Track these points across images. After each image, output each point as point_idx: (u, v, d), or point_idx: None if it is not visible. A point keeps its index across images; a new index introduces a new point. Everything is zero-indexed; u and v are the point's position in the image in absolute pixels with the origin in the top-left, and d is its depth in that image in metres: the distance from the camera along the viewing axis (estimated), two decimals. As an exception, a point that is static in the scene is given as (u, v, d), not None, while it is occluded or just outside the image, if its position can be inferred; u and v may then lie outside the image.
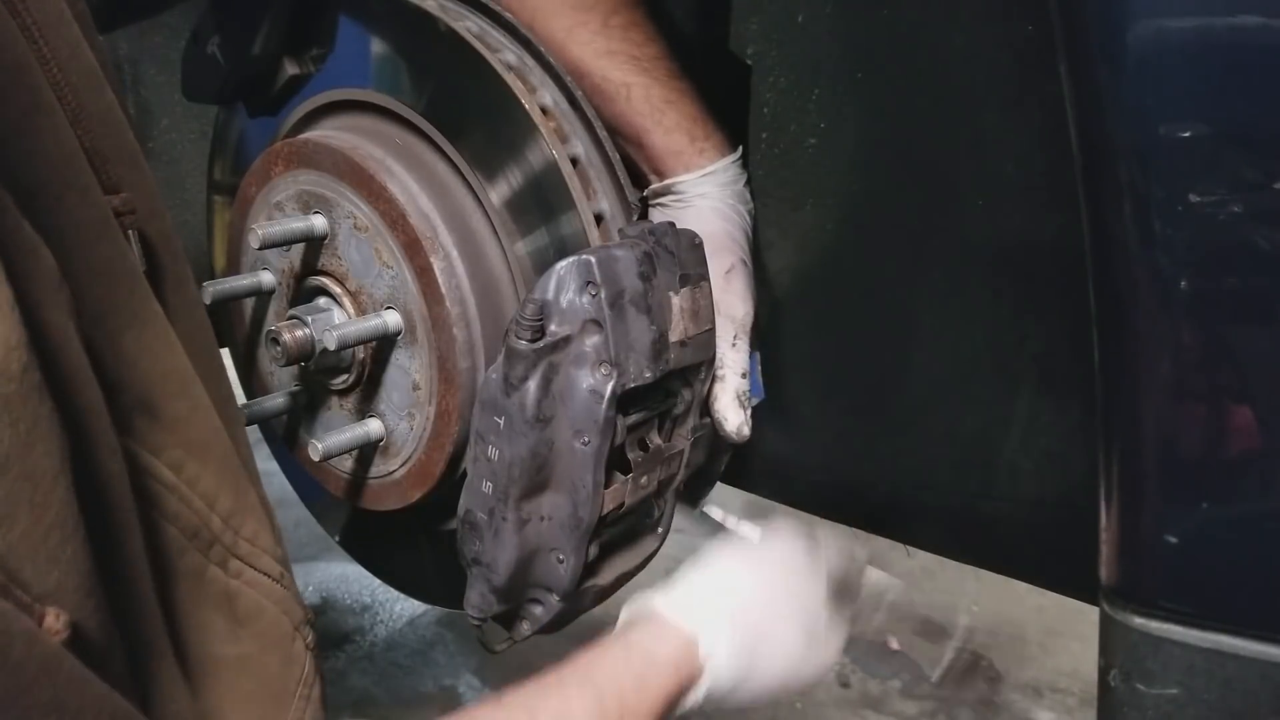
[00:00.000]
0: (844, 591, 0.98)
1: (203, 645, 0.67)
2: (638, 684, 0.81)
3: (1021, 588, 1.03)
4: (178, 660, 0.64)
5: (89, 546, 0.52)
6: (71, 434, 0.52)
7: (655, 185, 1.05)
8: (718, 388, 1.02)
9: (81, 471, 0.53)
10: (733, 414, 1.01)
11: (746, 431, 1.02)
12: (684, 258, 0.95)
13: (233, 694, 0.68)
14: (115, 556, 0.58)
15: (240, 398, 1.10)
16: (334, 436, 1.03)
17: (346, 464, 1.11)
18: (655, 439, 0.98)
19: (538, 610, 0.99)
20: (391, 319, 1.01)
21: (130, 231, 0.65)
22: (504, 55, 0.99)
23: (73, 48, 0.62)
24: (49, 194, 0.57)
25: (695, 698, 0.86)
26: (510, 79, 0.97)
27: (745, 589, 0.91)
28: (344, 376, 1.07)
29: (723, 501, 1.17)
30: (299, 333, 1.01)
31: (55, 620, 0.48)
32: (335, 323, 1.02)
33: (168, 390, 0.64)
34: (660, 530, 1.06)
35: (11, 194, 0.52)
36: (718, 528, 1.10)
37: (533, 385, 0.88)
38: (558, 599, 0.97)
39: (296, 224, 1.03)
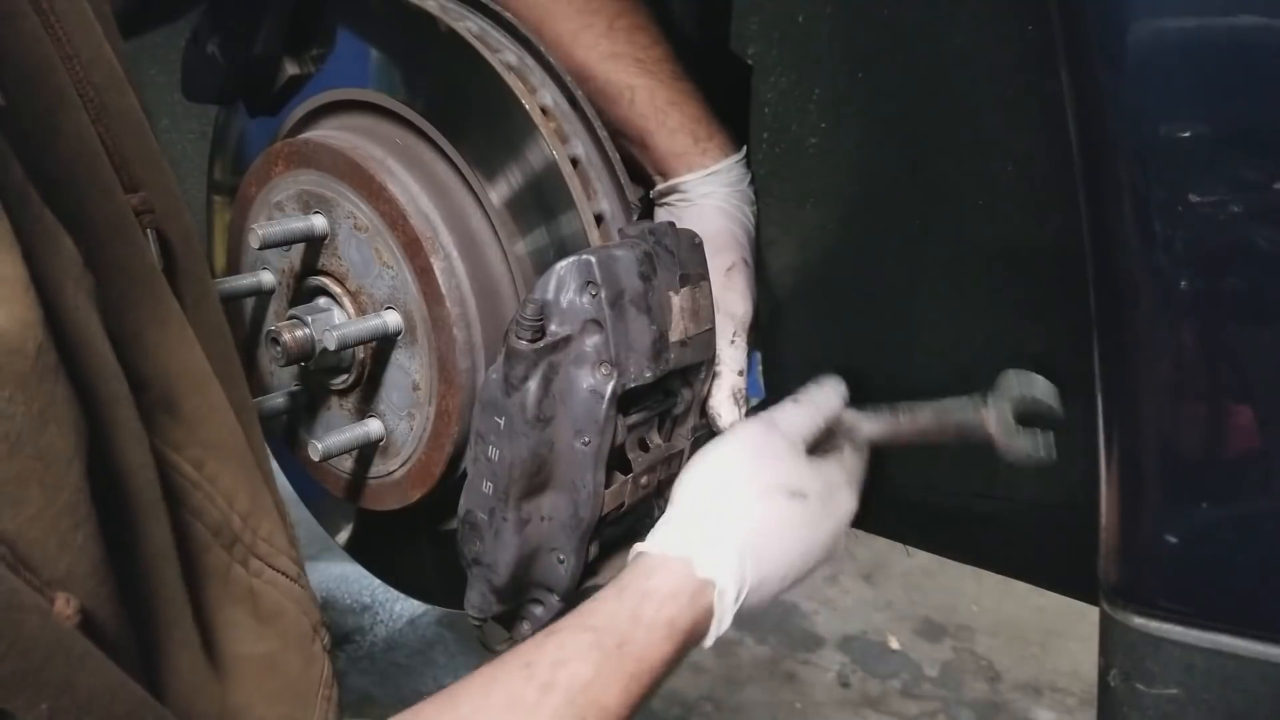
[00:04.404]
0: (827, 438, 0.92)
1: (230, 643, 0.67)
2: (634, 618, 0.77)
3: (1021, 588, 1.02)
4: (207, 657, 0.64)
5: (102, 534, 0.51)
6: (92, 421, 0.52)
7: (660, 186, 1.05)
8: (714, 384, 1.02)
9: (102, 459, 0.53)
10: (726, 410, 1.01)
11: None
12: (684, 257, 0.95)
13: (261, 692, 0.68)
14: (138, 547, 0.57)
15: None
16: (334, 436, 1.03)
17: (346, 464, 1.11)
18: (655, 439, 0.98)
19: (538, 610, 0.99)
20: (391, 319, 1.01)
21: (148, 230, 0.65)
22: (504, 55, 0.99)
23: (95, 48, 0.63)
24: (71, 189, 0.57)
25: (719, 618, 0.81)
26: (510, 79, 0.97)
27: (718, 498, 0.87)
28: (344, 376, 1.07)
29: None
30: (299, 333, 1.01)
31: (65, 605, 0.48)
32: (335, 323, 1.02)
33: (187, 388, 0.65)
34: (660, 530, 1.06)
35: (35, 186, 0.52)
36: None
37: (533, 385, 0.88)
38: (558, 599, 0.97)
39: (296, 224, 1.03)
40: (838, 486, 0.91)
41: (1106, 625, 0.72)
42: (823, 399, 0.95)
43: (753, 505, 0.86)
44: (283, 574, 0.71)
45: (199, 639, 0.63)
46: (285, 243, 1.04)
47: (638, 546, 0.86)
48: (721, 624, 0.81)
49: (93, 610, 0.50)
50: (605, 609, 0.78)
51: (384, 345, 1.03)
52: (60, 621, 0.47)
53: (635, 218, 1.02)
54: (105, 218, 0.60)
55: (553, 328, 0.88)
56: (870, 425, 0.95)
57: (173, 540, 0.61)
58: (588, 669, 0.73)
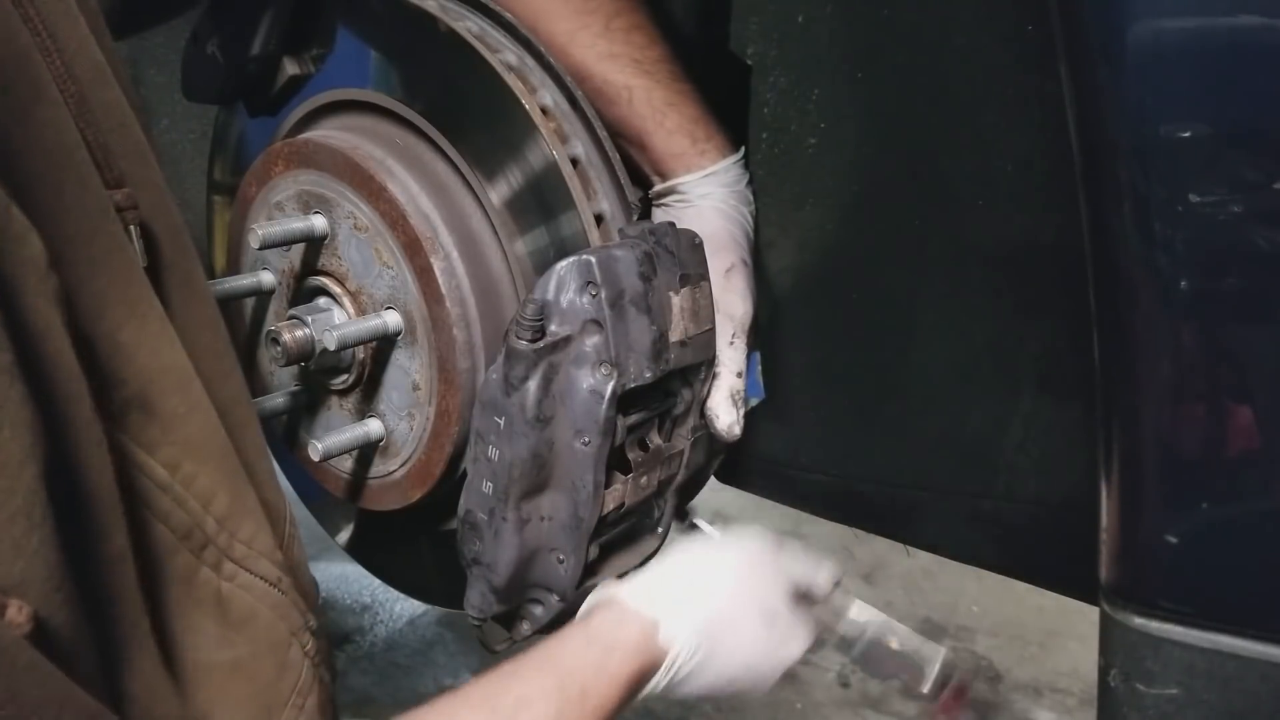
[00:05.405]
0: (807, 598, 0.98)
1: (193, 649, 0.66)
2: (598, 668, 0.81)
3: (1021, 588, 1.03)
4: (165, 663, 0.63)
5: (58, 539, 0.50)
6: (51, 423, 0.51)
7: (658, 186, 1.05)
8: (712, 385, 1.02)
9: (60, 462, 0.52)
10: (724, 411, 1.01)
11: (737, 431, 1.02)
12: (684, 258, 0.95)
13: (223, 700, 0.67)
14: (95, 552, 0.56)
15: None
16: (334, 436, 1.03)
17: (346, 464, 1.11)
18: (655, 439, 0.98)
19: (538, 610, 0.99)
20: (391, 319, 1.01)
21: (132, 226, 0.64)
22: (504, 55, 0.99)
23: (79, 43, 0.62)
24: (47, 184, 0.56)
25: (656, 682, 0.86)
26: (510, 79, 0.97)
27: (707, 580, 0.91)
28: (344, 376, 1.07)
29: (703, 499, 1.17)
30: (299, 333, 1.01)
31: (18, 613, 0.47)
32: (335, 323, 1.02)
33: (165, 387, 0.63)
34: (660, 530, 1.06)
35: (7, 182, 0.51)
36: (689, 527, 1.10)
37: (533, 385, 0.88)
38: (558, 599, 0.97)
39: (296, 224, 1.03)
40: (796, 635, 0.95)
41: (1106, 625, 0.72)
42: (825, 571, 1.00)
43: (729, 602, 0.90)
44: (261, 578, 0.70)
45: (155, 645, 0.61)
46: (285, 243, 1.04)
47: (615, 591, 0.88)
48: (652, 690, 0.86)
49: (47, 617, 0.49)
50: (572, 654, 0.82)
51: (384, 345, 1.03)
52: (6, 631, 0.46)
53: (635, 218, 1.02)
54: (83, 213, 0.59)
55: (553, 328, 0.88)
56: (843, 617, 1.06)
57: (130, 544, 0.59)
58: (549, 713, 0.76)
